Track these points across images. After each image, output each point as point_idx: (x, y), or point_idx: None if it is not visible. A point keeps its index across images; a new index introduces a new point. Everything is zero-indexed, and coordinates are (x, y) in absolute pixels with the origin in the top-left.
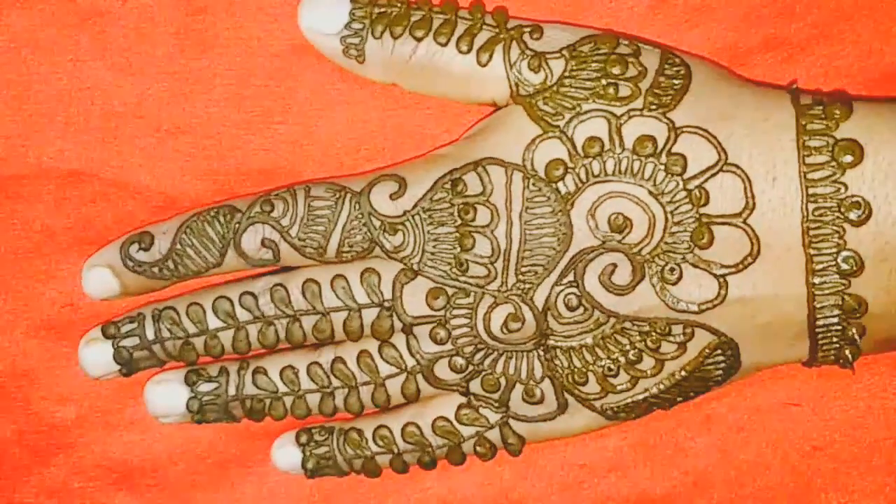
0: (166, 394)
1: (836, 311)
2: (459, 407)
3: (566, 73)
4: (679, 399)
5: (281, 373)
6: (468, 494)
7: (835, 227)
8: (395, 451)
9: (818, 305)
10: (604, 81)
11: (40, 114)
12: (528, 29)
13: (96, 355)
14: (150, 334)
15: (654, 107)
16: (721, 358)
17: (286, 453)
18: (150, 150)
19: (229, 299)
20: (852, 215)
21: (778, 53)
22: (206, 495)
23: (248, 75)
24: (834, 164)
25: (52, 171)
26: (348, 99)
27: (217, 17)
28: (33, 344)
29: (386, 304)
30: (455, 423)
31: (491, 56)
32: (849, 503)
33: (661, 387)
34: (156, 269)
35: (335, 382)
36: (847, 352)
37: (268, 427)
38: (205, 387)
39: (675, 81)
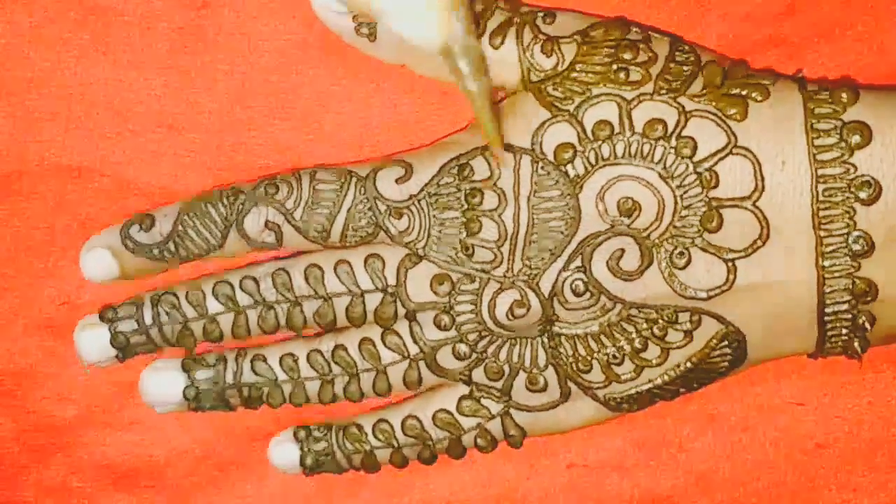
0: (162, 381)
1: (847, 297)
2: (461, 398)
3: (577, 58)
4: (682, 390)
5: (280, 360)
6: (471, 495)
7: (845, 208)
8: (395, 444)
9: (828, 290)
10: (614, 66)
11: (42, 110)
12: (540, 14)
13: (92, 339)
14: (147, 318)
15: (664, 91)
16: (728, 350)
17: (284, 450)
18: (151, 146)
19: (230, 283)
20: (862, 195)
21: (780, 51)
22: (205, 496)
23: (250, 71)
24: (843, 144)
25: (53, 167)
26: (351, 95)
27: (220, 13)
28: (32, 342)
29: (389, 289)
30: (456, 414)
31: (503, 39)
32: (852, 500)
33: (666, 378)
34: (156, 251)
35: (335, 370)
36: (856, 343)
37: (267, 428)
38: (202, 374)
39: (686, 67)
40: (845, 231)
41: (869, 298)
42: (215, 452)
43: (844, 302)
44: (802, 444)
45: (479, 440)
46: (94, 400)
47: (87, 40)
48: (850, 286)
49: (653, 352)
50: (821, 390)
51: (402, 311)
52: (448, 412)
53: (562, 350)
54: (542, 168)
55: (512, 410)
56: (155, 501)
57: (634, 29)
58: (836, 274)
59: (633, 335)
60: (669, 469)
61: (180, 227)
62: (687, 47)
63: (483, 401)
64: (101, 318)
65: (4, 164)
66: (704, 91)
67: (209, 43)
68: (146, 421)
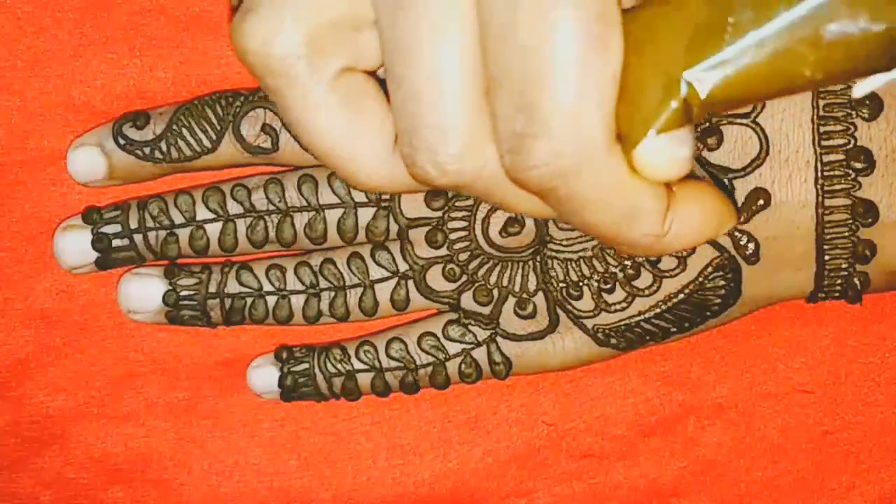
0: (143, 285)
1: (846, 216)
2: (448, 322)
3: None
4: (674, 330)
5: (267, 271)
6: (476, 486)
7: (846, 124)
8: (378, 366)
9: (827, 210)
10: None
11: (41, 100)
12: None
13: (74, 241)
14: (133, 223)
15: None
16: (722, 281)
17: (263, 373)
18: None
19: (221, 191)
20: (864, 110)
21: None
22: (199, 489)
23: None
24: None
25: (51, 157)
26: None
27: (226, 3)
28: (28, 333)
29: (383, 204)
30: (442, 338)
31: None
32: (861, 485)
33: (657, 310)
34: (147, 150)
35: (323, 284)
36: (856, 279)
37: (261, 425)
38: (185, 281)
39: None
40: (846, 146)
41: (869, 220)
42: (208, 445)
43: (843, 224)
44: (810, 432)
45: (463, 367)
46: (90, 392)
47: (87, 29)
48: (850, 205)
49: (645, 279)
50: (829, 377)
51: (394, 230)
52: (434, 335)
53: (553, 273)
54: None
55: (499, 339)
56: (149, 494)
57: None
58: (836, 192)
59: (627, 260)
60: (675, 458)
61: (174, 127)
62: None
63: (471, 327)
64: (85, 219)
65: (2, 154)
66: None
67: (211, 28)
68: (141, 414)
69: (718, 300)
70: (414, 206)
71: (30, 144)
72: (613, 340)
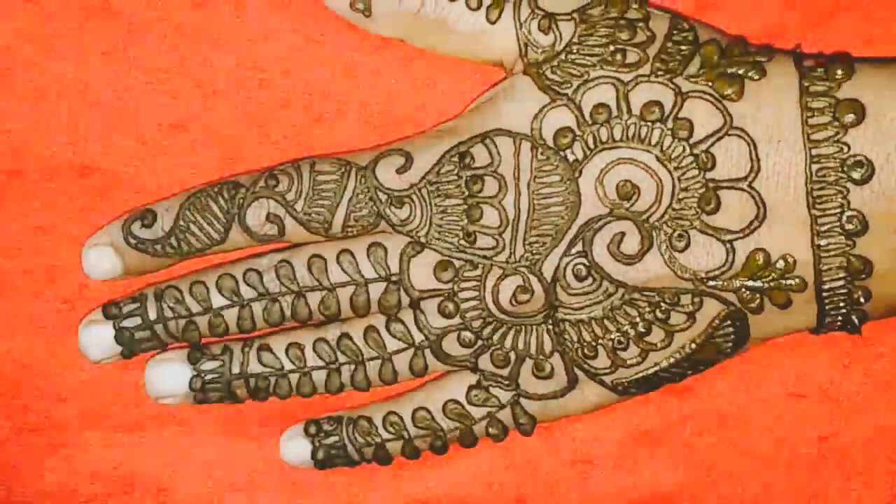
0: (168, 372)
1: (842, 274)
2: (469, 388)
3: (575, 39)
4: (689, 372)
5: (286, 350)
6: (472, 491)
7: (838, 188)
8: (406, 436)
9: (824, 268)
10: (612, 48)
11: (43, 109)
12: None
13: (97, 337)
14: (152, 314)
15: (660, 72)
16: (730, 329)
17: (296, 446)
18: (153, 144)
19: (233, 277)
20: (855, 174)
21: (780, 42)
22: (200, 499)
23: (252, 69)
24: (836, 123)
25: (54, 166)
26: (354, 95)
27: (221, 11)
28: (32, 343)
29: (393, 278)
30: (466, 404)
31: (500, 13)
32: (858, 489)
33: (672, 360)
34: (158, 247)
35: (342, 358)
36: (854, 317)
37: (264, 431)
38: (208, 365)
39: (683, 47)
40: (839, 211)
41: (864, 276)
42: (214, 456)
43: (840, 279)
44: (807, 438)
45: (490, 429)
46: (93, 402)
47: (88, 38)
48: (846, 264)
49: (657, 335)
50: (824, 382)
51: (406, 300)
52: (458, 402)
53: (567, 336)
54: (542, 153)
55: (521, 399)
56: None
57: (634, 6)
58: (832, 252)
59: (637, 319)
60: (673, 464)
61: (182, 223)
62: (686, 25)
63: (492, 389)
64: (105, 314)
65: (5, 163)
66: (702, 71)
67: (211, 40)
68: (145, 424)
69: (730, 344)
70: (423, 278)
71: (32, 155)
72: (633, 390)
